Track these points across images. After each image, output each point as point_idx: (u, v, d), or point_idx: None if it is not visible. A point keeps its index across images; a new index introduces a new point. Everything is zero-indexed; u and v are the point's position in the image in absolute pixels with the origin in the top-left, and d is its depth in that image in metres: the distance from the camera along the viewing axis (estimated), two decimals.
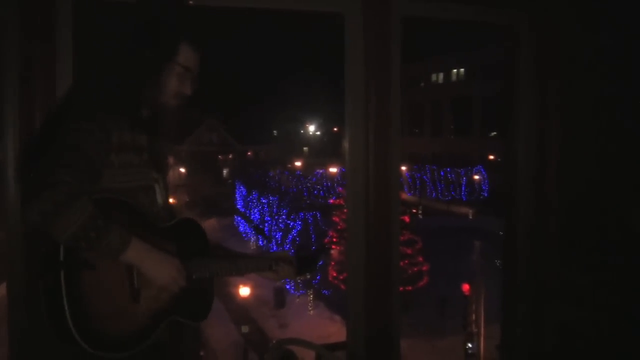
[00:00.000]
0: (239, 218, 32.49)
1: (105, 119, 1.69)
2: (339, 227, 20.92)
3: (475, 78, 39.62)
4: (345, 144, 2.95)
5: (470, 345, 15.15)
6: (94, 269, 1.61)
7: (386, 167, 2.94)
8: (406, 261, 18.27)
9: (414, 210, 30.34)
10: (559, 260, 3.20)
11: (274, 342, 2.61)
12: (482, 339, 15.16)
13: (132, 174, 1.78)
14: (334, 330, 17.57)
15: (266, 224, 27.27)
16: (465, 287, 16.58)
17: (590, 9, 3.11)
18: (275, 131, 57.39)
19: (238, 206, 34.82)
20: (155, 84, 1.81)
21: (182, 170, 45.21)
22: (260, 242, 27.22)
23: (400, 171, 3.19)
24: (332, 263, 20.26)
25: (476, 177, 37.58)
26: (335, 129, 53.48)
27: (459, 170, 37.61)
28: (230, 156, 50.44)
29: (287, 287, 21.05)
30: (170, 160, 2.13)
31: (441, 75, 44.68)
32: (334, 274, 20.02)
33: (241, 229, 31.00)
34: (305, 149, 55.88)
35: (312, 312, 20.06)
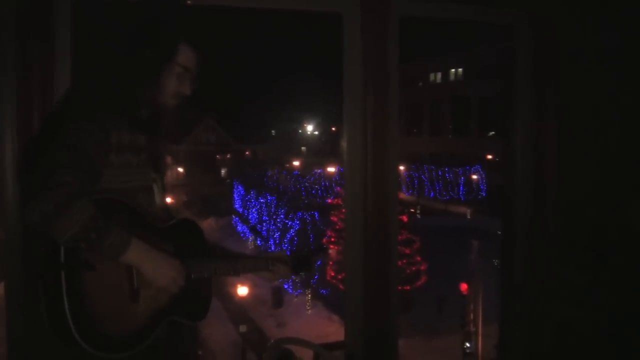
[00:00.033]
0: (237, 218, 32.50)
1: (105, 119, 1.69)
2: (337, 227, 20.91)
3: (474, 78, 39.63)
4: (344, 144, 2.95)
5: (468, 344, 15.16)
6: (94, 270, 1.61)
7: (384, 167, 2.94)
8: (404, 261, 18.27)
9: (412, 210, 30.33)
10: (557, 260, 3.20)
11: (273, 341, 2.61)
12: (480, 338, 15.17)
13: (131, 174, 1.79)
14: (332, 329, 17.56)
15: (264, 224, 27.26)
16: (464, 286, 16.56)
17: (590, 9, 3.12)
18: (273, 131, 57.37)
19: (236, 206, 34.82)
20: (155, 84, 1.82)
21: (180, 169, 45.18)
22: (259, 242, 27.25)
23: (398, 171, 3.19)
24: (330, 262, 20.25)
25: (474, 176, 37.62)
26: (333, 129, 53.48)
27: (457, 170, 37.63)
28: (229, 156, 50.37)
29: (285, 286, 21.05)
30: (169, 160, 2.14)
31: (439, 75, 44.68)
32: (332, 274, 20.01)
33: (239, 228, 31.01)
34: (303, 148, 55.85)
35: (310, 311, 20.05)
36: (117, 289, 1.68)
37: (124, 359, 1.67)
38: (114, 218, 1.62)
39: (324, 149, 49.28)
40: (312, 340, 2.65)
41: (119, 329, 1.66)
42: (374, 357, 2.95)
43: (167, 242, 1.84)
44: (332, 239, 21.08)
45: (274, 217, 26.57)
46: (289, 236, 24.43)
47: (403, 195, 35.46)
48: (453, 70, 43.48)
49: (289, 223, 24.94)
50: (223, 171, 49.33)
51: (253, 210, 30.17)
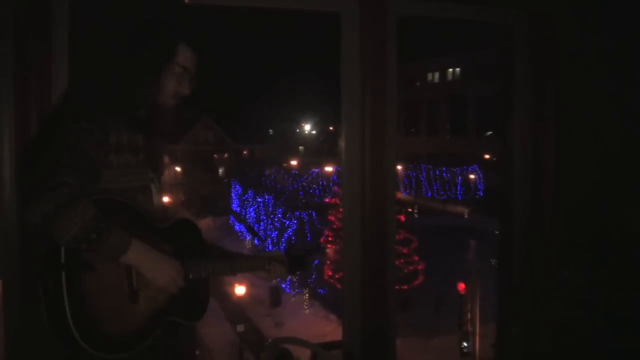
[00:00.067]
0: (234, 218, 32.49)
1: (105, 119, 1.69)
2: (334, 226, 20.93)
3: (471, 78, 39.64)
4: (342, 143, 2.96)
5: (465, 344, 15.20)
6: (94, 270, 1.61)
7: (382, 166, 2.94)
8: (402, 260, 18.30)
9: (410, 210, 30.37)
10: (555, 260, 3.20)
11: (270, 341, 2.61)
12: (477, 337, 15.20)
13: (130, 175, 1.79)
14: (329, 329, 17.57)
15: (262, 223, 27.25)
16: (461, 286, 16.60)
17: (590, 9, 3.12)
18: (271, 130, 57.30)
19: (233, 205, 34.80)
20: (154, 84, 1.82)
21: (178, 169, 45.14)
22: (256, 241, 27.23)
23: (396, 170, 3.20)
24: (328, 262, 20.24)
25: (472, 176, 37.64)
26: (330, 128, 53.44)
27: (455, 170, 37.65)
28: (226, 155, 50.33)
29: (283, 286, 21.04)
30: (166, 159, 2.14)
31: (437, 75, 44.70)
32: (330, 273, 20.02)
33: (236, 228, 30.99)
34: (300, 148, 55.80)
35: (307, 311, 20.05)
36: (116, 289, 1.68)
37: (123, 359, 1.67)
38: (114, 218, 1.62)
39: (322, 149, 49.27)
40: (310, 340, 2.66)
41: (118, 329, 1.66)
42: (372, 356, 2.96)
43: (167, 242, 1.84)
44: (330, 238, 21.08)
45: (272, 216, 26.57)
46: (286, 235, 24.42)
47: (401, 195, 35.47)
48: (451, 70, 43.51)
49: (287, 222, 24.94)
50: (221, 170, 49.29)
51: (250, 210, 30.16)
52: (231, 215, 33.02)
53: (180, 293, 1.82)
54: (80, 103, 1.75)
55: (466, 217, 32.97)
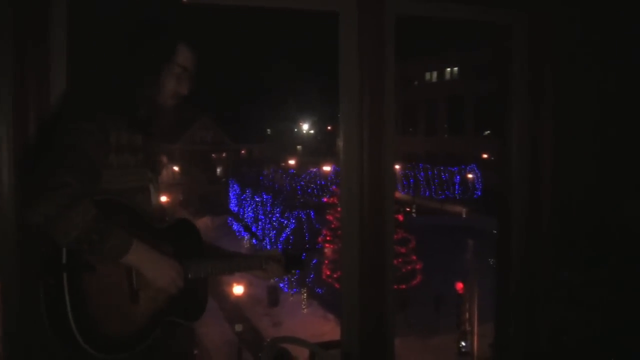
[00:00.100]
0: (231, 218, 32.48)
1: (104, 119, 1.70)
2: (332, 226, 20.90)
3: (469, 77, 39.64)
4: (340, 143, 2.96)
5: (463, 343, 15.19)
6: (95, 271, 1.61)
7: (380, 166, 2.95)
8: (400, 259, 18.28)
9: (408, 209, 30.36)
10: (554, 260, 3.21)
11: (269, 340, 2.61)
12: (475, 337, 15.19)
13: (129, 175, 1.79)
14: (327, 328, 17.56)
15: (260, 223, 27.24)
16: (459, 285, 16.59)
17: (589, 9, 3.12)
18: (268, 130, 57.34)
19: (231, 205, 34.79)
20: (154, 84, 1.82)
21: (176, 168, 45.11)
22: (254, 241, 27.24)
23: (394, 170, 3.20)
24: (326, 261, 20.21)
25: (470, 175, 37.64)
26: (328, 128, 53.47)
27: (453, 169, 37.66)
28: (224, 155, 50.33)
29: (281, 285, 21.04)
30: (164, 159, 2.15)
31: (435, 74, 44.71)
32: (328, 273, 19.99)
33: (234, 227, 30.99)
34: (298, 147, 55.83)
35: (305, 310, 20.03)
36: (117, 289, 1.68)
37: None
38: (114, 219, 1.62)
39: (320, 148, 49.28)
40: (308, 340, 2.66)
41: (119, 329, 1.67)
42: (370, 356, 2.96)
43: (166, 242, 1.84)
44: (328, 238, 21.06)
45: (270, 215, 26.56)
46: (284, 235, 24.41)
47: (399, 194, 35.45)
48: (449, 69, 43.51)
49: (285, 222, 24.93)
50: (219, 170, 49.29)
51: (249, 209, 30.15)
52: (229, 217, 32.97)
53: (180, 293, 1.82)
54: (80, 103, 1.74)
55: (464, 216, 32.95)
